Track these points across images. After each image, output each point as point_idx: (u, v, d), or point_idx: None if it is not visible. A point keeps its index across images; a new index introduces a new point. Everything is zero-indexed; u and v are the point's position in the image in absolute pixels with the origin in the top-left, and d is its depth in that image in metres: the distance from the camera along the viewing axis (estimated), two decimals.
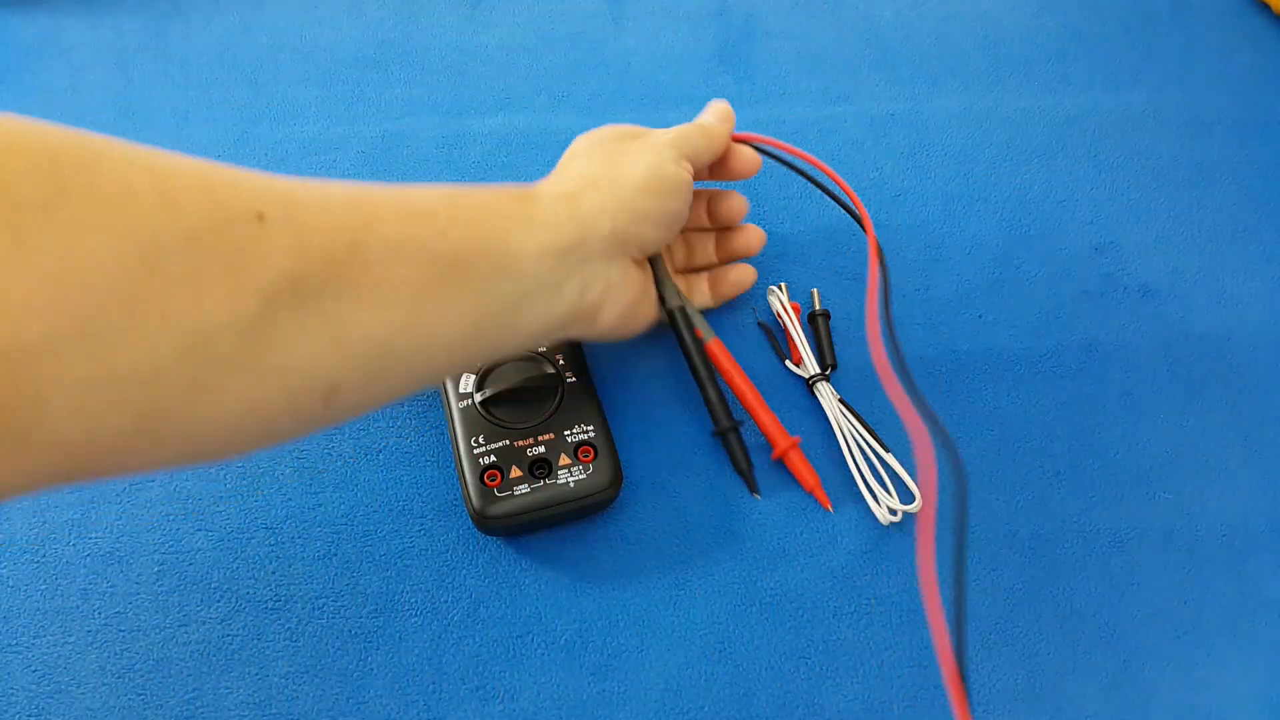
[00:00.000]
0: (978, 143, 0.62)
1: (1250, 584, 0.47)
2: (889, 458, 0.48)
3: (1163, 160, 0.61)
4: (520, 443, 0.46)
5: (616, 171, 0.44)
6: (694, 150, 0.47)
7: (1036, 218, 0.59)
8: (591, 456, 0.46)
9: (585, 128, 0.48)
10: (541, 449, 0.46)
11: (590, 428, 0.47)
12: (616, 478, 0.46)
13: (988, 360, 0.53)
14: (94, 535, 0.47)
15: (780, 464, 0.49)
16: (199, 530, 0.47)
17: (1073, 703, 0.44)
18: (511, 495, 0.45)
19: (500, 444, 0.46)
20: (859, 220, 0.50)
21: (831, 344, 0.52)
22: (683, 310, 0.48)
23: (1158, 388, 0.53)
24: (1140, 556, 0.48)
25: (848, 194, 0.50)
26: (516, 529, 0.46)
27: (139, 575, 0.46)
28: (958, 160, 0.61)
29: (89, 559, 0.46)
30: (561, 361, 0.49)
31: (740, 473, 0.48)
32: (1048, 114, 0.63)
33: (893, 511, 0.47)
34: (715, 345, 0.49)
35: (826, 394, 0.50)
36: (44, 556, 0.46)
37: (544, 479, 0.46)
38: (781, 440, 0.49)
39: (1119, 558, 0.47)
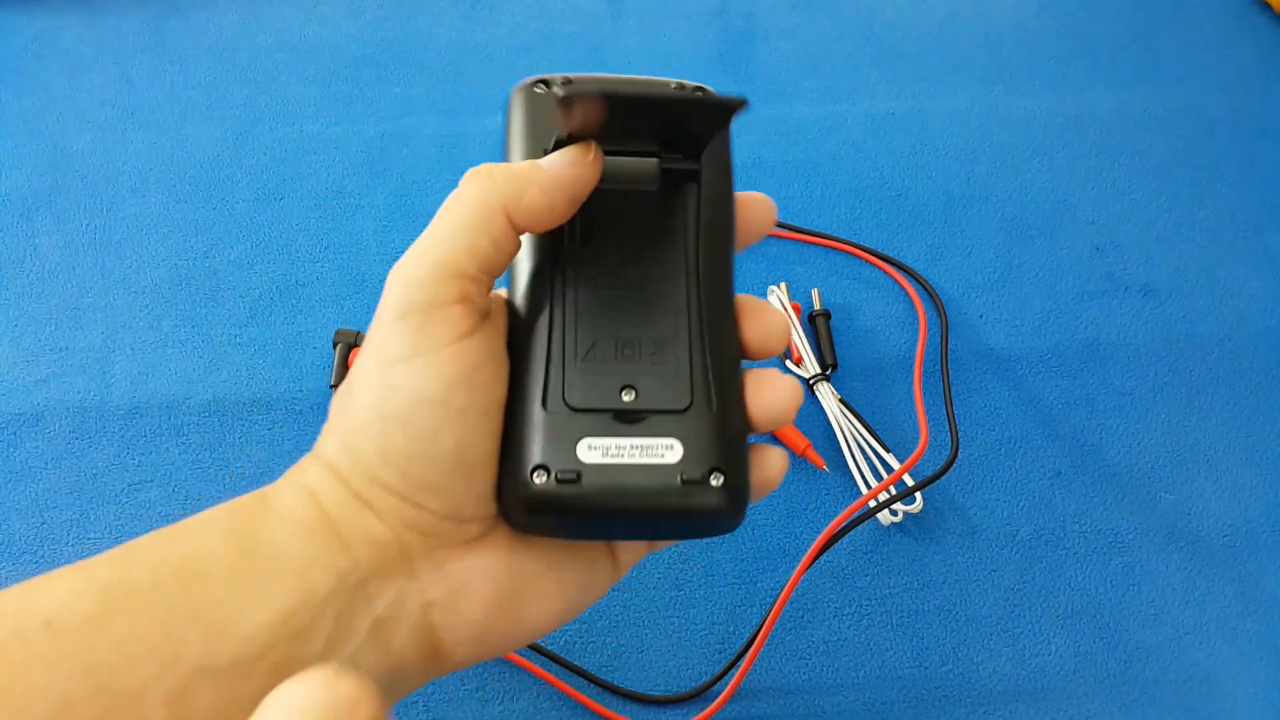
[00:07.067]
0: (978, 143, 0.62)
1: (1250, 584, 0.47)
2: (889, 458, 0.48)
3: (1163, 160, 0.61)
4: None
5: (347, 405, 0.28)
6: (441, 265, 0.27)
7: (1037, 217, 0.59)
8: None
9: None
10: None
11: None
12: None
13: (988, 360, 0.53)
14: (94, 535, 0.47)
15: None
16: None
17: (1073, 702, 0.44)
18: None
19: None
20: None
21: (832, 344, 0.52)
22: None
23: (1158, 387, 0.52)
24: (1140, 556, 0.47)
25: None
26: None
27: None
28: (958, 160, 0.61)
29: None
30: None
31: None
32: (1048, 113, 0.63)
33: (893, 512, 0.47)
34: None
35: (826, 394, 0.50)
36: (44, 556, 0.46)
37: None
38: None
39: (1119, 558, 0.47)
